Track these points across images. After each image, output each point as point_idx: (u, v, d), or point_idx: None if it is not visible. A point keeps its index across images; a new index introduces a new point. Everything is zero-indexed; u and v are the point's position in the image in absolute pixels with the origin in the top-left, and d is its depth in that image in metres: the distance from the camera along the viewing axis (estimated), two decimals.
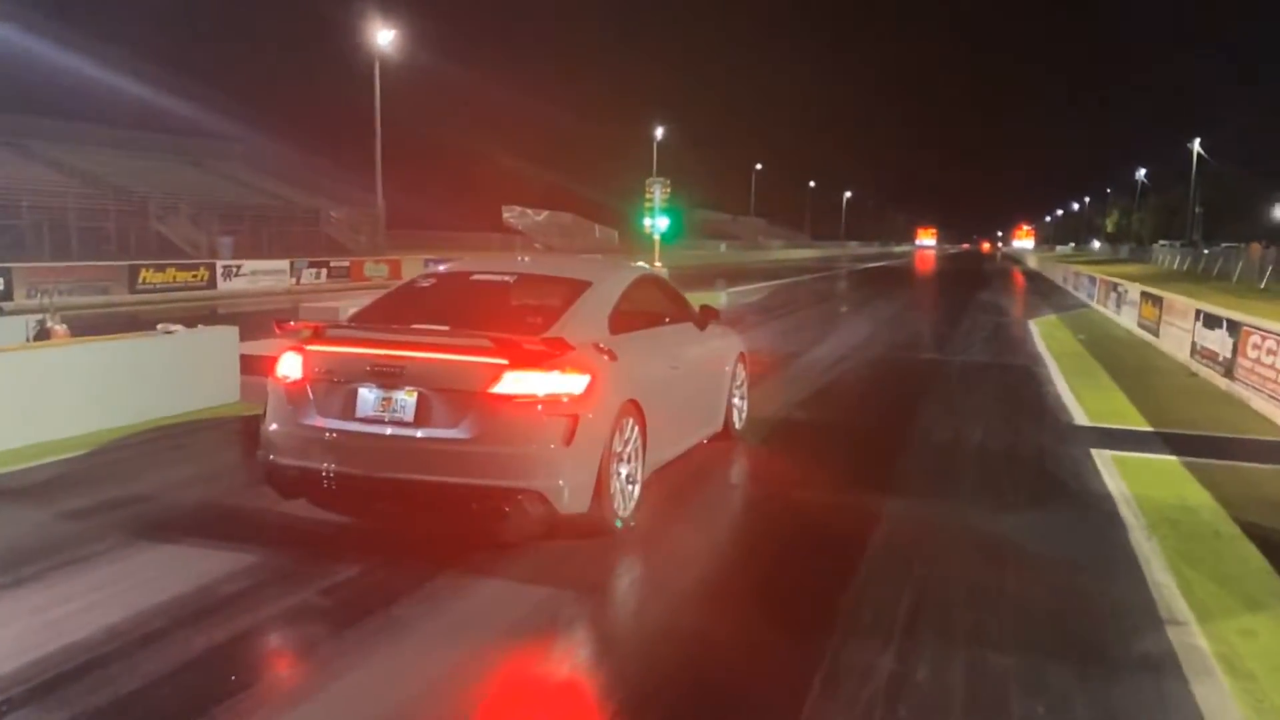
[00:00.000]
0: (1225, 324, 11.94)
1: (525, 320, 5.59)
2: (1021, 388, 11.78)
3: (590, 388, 5.08)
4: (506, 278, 6.19)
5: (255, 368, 9.81)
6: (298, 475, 5.22)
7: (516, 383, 4.93)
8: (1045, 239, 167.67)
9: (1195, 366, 13.17)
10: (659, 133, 72.51)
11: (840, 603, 4.59)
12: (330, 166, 53.49)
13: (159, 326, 8.75)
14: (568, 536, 5.17)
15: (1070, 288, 34.58)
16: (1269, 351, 10.02)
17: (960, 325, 20.33)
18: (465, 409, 4.93)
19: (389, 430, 5.02)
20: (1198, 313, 13.60)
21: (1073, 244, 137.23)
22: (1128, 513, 6.13)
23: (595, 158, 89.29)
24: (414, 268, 34.78)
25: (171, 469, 6.97)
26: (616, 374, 5.44)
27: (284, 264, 29.04)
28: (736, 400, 7.88)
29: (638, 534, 5.49)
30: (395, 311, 5.89)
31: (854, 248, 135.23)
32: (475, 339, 5.03)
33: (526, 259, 6.65)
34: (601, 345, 5.49)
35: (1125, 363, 14.19)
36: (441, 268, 7.24)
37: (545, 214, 79.41)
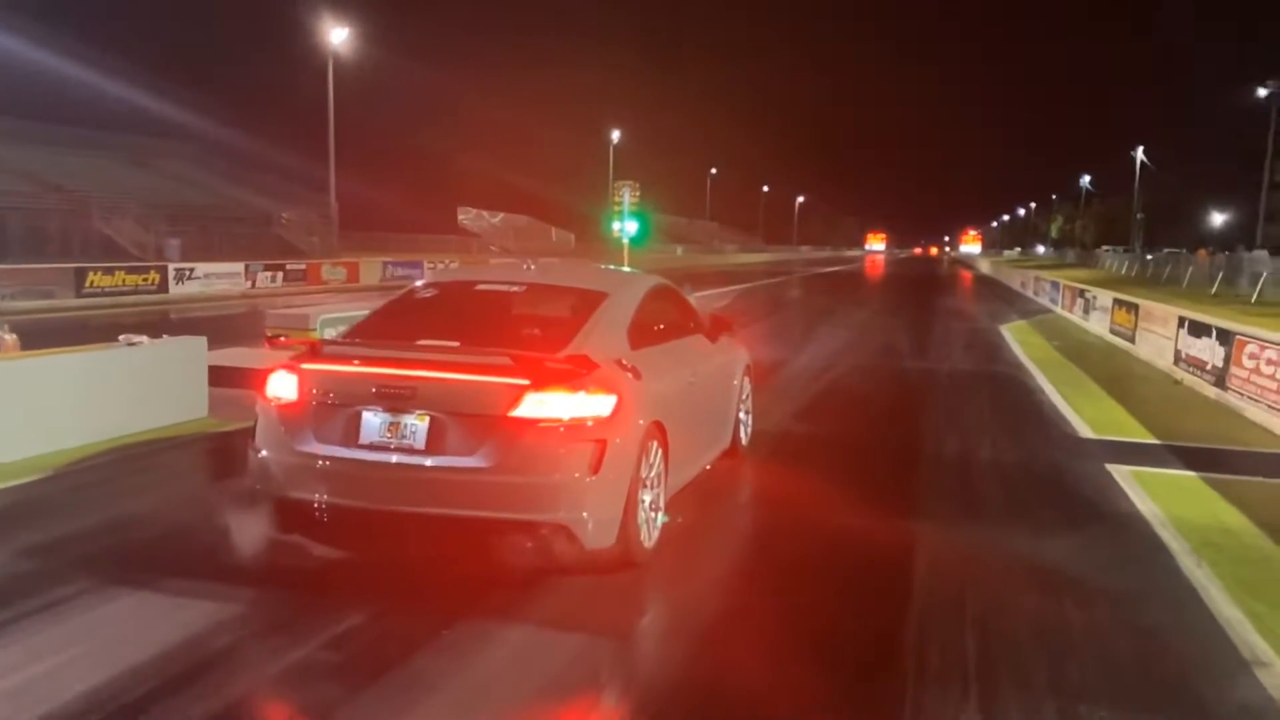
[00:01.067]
0: (1215, 332, 11.84)
1: (539, 335, 5.15)
2: (1014, 397, 11.58)
3: (617, 410, 4.66)
4: (515, 287, 5.73)
5: (223, 380, 9.23)
6: (293, 508, 4.72)
7: (539, 405, 4.49)
8: (991, 244, 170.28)
9: (1180, 374, 13.09)
10: (615, 136, 72.15)
11: (902, 643, 4.22)
12: (282, 167, 52.28)
13: (121, 338, 8.11)
14: (591, 572, 4.73)
15: (1031, 293, 34.85)
16: (1269, 361, 9.89)
17: (934, 332, 20.20)
18: (483, 435, 4.47)
19: (397, 458, 4.54)
20: (1181, 320, 13.54)
21: (1018, 249, 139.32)
22: (1168, 536, 5.85)
23: (551, 161, 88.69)
24: (373, 270, 33.97)
25: (140, 496, 6.37)
26: (642, 394, 5.01)
27: (239, 267, 28.07)
28: (742, 415, 7.50)
29: (664, 567, 5.06)
30: (396, 326, 5.40)
31: (806, 252, 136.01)
32: (493, 357, 4.57)
33: (532, 266, 6.17)
34: (625, 362, 5.05)
35: (1107, 370, 14.09)
36: (439, 276, 6.73)
37: (501, 216, 78.63)
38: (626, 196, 25.46)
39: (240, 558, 5.10)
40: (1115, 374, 13.69)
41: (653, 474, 5.08)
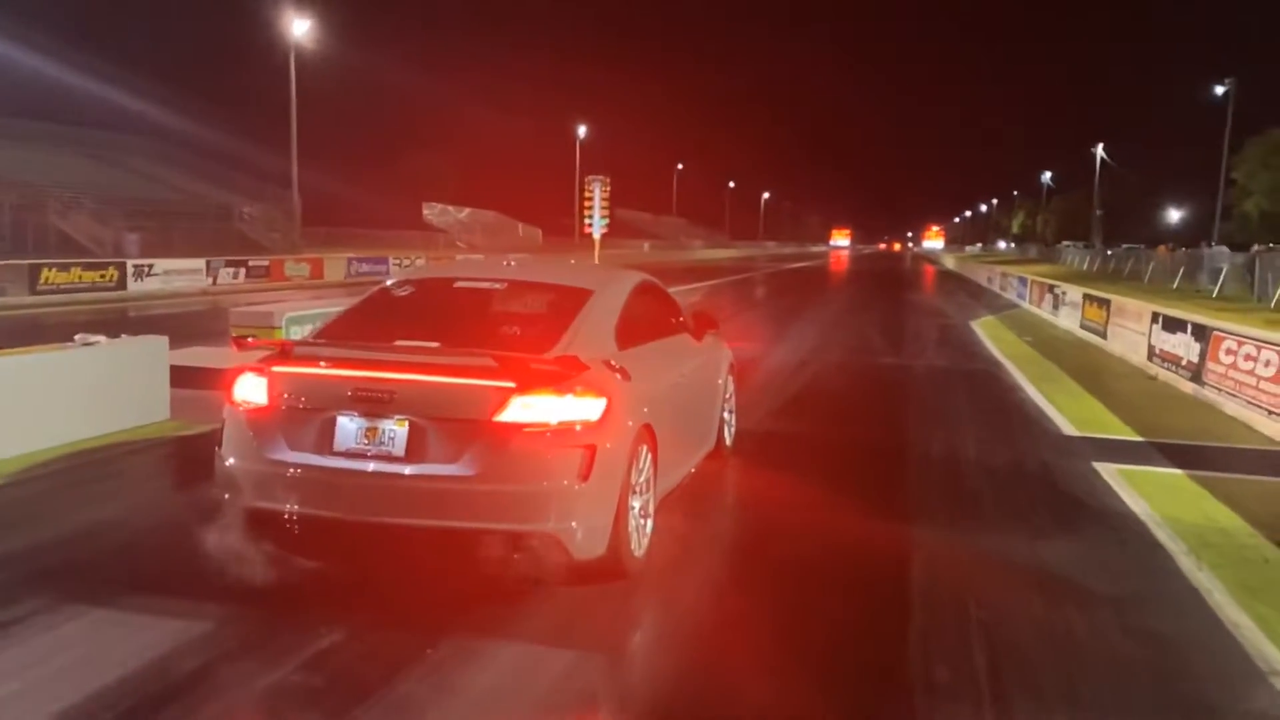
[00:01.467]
0: (1190, 328, 11.85)
1: (523, 335, 4.91)
2: (993, 394, 11.52)
3: (607, 413, 4.44)
4: (496, 285, 5.47)
5: (185, 380, 8.89)
6: (264, 519, 4.46)
7: (525, 409, 4.26)
8: (953, 239, 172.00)
9: (1154, 370, 13.11)
10: (582, 131, 71.76)
11: (908, 655, 4.05)
12: (243, 161, 51.34)
13: (77, 337, 7.75)
14: (580, 584, 4.52)
15: (997, 288, 35.06)
16: (1246, 357, 9.88)
17: (906, 327, 20.17)
18: (466, 440, 4.23)
19: (374, 466, 4.29)
20: (1155, 316, 13.57)
21: (980, 244, 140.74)
22: (1164, 537, 5.76)
23: (517, 156, 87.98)
24: (337, 267, 33.41)
25: (99, 505, 6.05)
26: (631, 396, 4.79)
27: (199, 263, 27.40)
28: (726, 415, 7.31)
29: (653, 576, 4.86)
30: (371, 326, 5.12)
31: (772, 248, 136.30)
32: (477, 358, 4.32)
33: (513, 263, 5.93)
34: (613, 363, 4.84)
35: (1081, 365, 14.09)
36: (416, 273, 6.46)
37: (467, 211, 77.84)
38: (598, 192, 25.20)
39: (208, 572, 4.80)
40: (1090, 369, 13.69)
41: (642, 479, 4.87)
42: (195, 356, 10.31)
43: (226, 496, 4.55)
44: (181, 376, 8.80)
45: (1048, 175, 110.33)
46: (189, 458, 7.27)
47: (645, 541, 4.92)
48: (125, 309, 21.54)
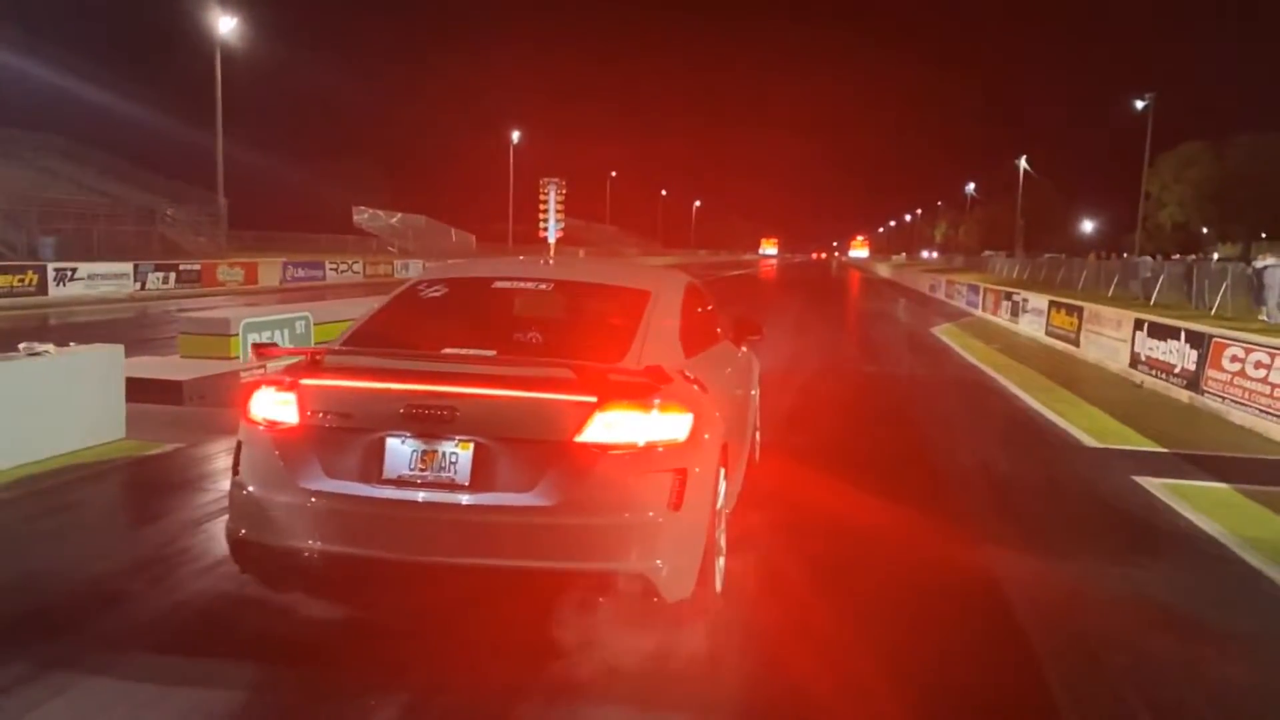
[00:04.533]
0: (1185, 335, 11.67)
1: (587, 342, 4.24)
2: (992, 403, 11.20)
3: (694, 431, 3.79)
4: (541, 285, 4.75)
5: (136, 394, 7.96)
6: (294, 561, 3.68)
7: (609, 428, 3.59)
8: (878, 249, 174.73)
9: (1139, 377, 12.95)
10: (515, 136, 70.69)
11: (1060, 710, 3.50)
12: (163, 162, 49.16)
13: (22, 346, 6.80)
14: (659, 627, 3.87)
15: (943, 296, 35.29)
16: (1258, 365, 9.66)
17: (871, 337, 19.92)
18: (543, 465, 3.55)
19: (433, 495, 3.57)
20: (1139, 322, 13.42)
21: (904, 254, 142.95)
22: (1255, 560, 5.35)
23: (450, 161, 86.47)
24: (272, 271, 32.03)
25: (62, 544, 5.17)
26: (712, 411, 4.16)
27: (126, 267, 25.80)
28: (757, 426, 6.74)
29: (734, 614, 4.23)
30: (406, 331, 4.37)
31: (704, 256, 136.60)
32: (551, 369, 3.65)
33: (550, 261, 5.25)
34: (687, 374, 4.20)
35: (1062, 373, 13.89)
36: (446, 273, 5.70)
37: (398, 216, 75.97)
38: (553, 195, 24.44)
39: (212, 626, 4.02)
40: (1073, 377, 13.48)
41: (721, 506, 4.26)
42: (147, 367, 9.34)
43: (244, 533, 3.77)
44: (133, 389, 7.88)
45: (971, 186, 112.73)
46: (155, 483, 6.42)
47: (720, 576, 4.30)
48: (46, 316, 20.07)
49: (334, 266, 36.80)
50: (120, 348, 7.64)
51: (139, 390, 8.24)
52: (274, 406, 3.76)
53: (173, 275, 27.29)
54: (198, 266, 28.92)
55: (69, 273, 23.81)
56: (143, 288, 25.83)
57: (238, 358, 10.18)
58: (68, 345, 7.26)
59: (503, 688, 3.48)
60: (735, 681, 3.76)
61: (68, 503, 5.91)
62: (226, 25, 36.60)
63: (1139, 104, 56.35)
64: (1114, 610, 4.60)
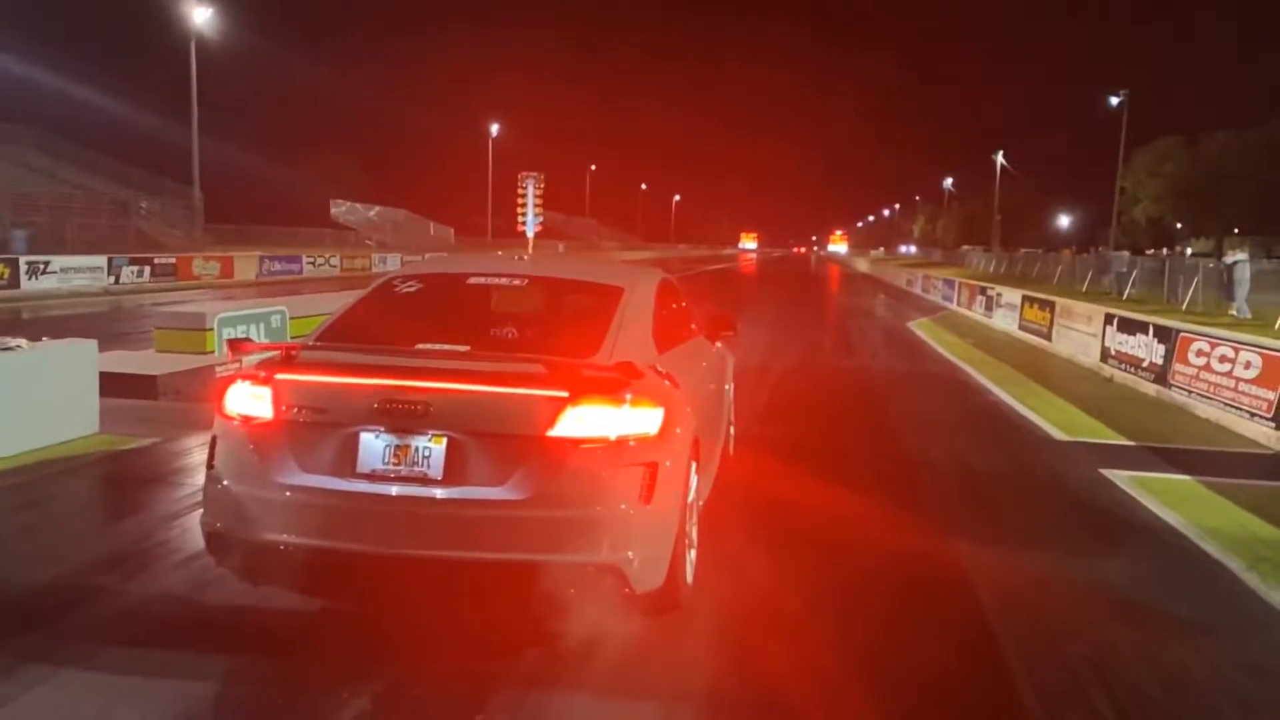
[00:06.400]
0: (1152, 330, 11.86)
1: (559, 338, 4.31)
2: (965, 398, 11.33)
3: (665, 425, 3.87)
4: (515, 281, 4.81)
5: (110, 388, 7.94)
6: (269, 553, 3.71)
7: (580, 422, 3.66)
8: (857, 244, 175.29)
9: (1108, 371, 13.14)
10: (494, 129, 70.46)
11: (1021, 699, 3.59)
12: (138, 154, 48.62)
13: None
14: (631, 618, 3.94)
15: (919, 290, 35.53)
16: (1223, 359, 9.84)
17: (847, 331, 20.08)
18: (516, 459, 3.61)
19: (406, 489, 3.62)
20: (1109, 317, 13.61)
21: (882, 249, 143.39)
22: (1213, 550, 5.49)
23: (428, 155, 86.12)
24: (248, 265, 31.83)
25: (35, 540, 5.17)
26: (682, 406, 4.24)
27: (100, 260, 25.55)
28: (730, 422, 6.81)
29: (703, 605, 4.30)
30: (379, 327, 4.41)
31: (684, 250, 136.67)
32: (523, 364, 3.71)
33: (525, 257, 5.32)
34: (660, 369, 4.27)
35: (1033, 367, 14.06)
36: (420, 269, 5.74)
37: (377, 209, 75.65)
38: (531, 189, 24.43)
39: (181, 621, 4.05)
40: (1044, 372, 13.65)
41: (692, 499, 4.33)
42: (121, 362, 9.30)
43: (220, 526, 3.81)
44: (107, 384, 7.86)
45: (949, 181, 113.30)
46: (131, 478, 6.42)
47: (691, 569, 4.37)
48: (19, 309, 19.83)
49: (311, 260, 36.59)
50: (93, 342, 7.61)
51: (113, 385, 8.22)
52: (249, 401, 3.80)
53: (148, 269, 27.07)
54: (173, 260, 28.68)
55: (41, 266, 23.57)
56: (117, 281, 25.60)
57: (213, 353, 10.15)
58: (40, 340, 7.23)
59: (477, 676, 3.54)
60: (704, 666, 3.83)
61: (39, 498, 5.90)
62: (202, 16, 36.30)
63: (1114, 100, 56.89)
64: (1077, 601, 4.70)
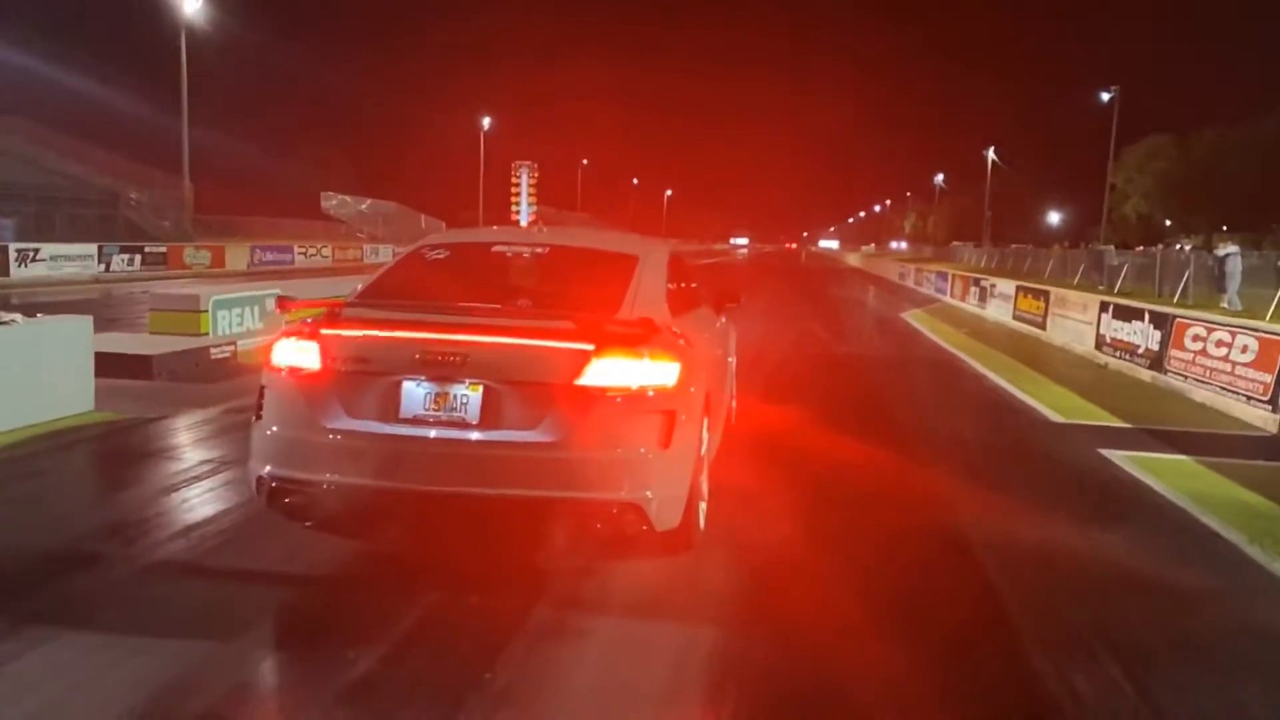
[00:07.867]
0: (1148, 316, 11.90)
1: (581, 298, 4.44)
2: (963, 384, 11.39)
3: (681, 379, 4.10)
4: (538, 249, 5.05)
5: (104, 368, 7.88)
6: (315, 493, 3.92)
7: (604, 372, 3.89)
8: (848, 240, 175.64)
9: (1103, 358, 13.18)
10: (486, 123, 70.29)
11: (1036, 668, 3.59)
12: (127, 145, 48.31)
13: None
14: (651, 556, 4.28)
15: (912, 284, 35.65)
16: (1219, 344, 9.88)
17: (843, 320, 20.10)
18: (545, 405, 3.84)
19: (445, 433, 3.86)
20: (1105, 305, 13.66)
21: (873, 245, 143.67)
22: (1214, 523, 5.52)
23: (420, 148, 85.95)
24: (239, 255, 31.69)
25: (35, 509, 5.13)
26: (696, 363, 4.46)
27: (90, 249, 25.39)
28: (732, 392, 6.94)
29: (718, 547, 4.58)
30: (415, 288, 4.60)
31: (675, 245, 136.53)
32: (553, 320, 3.93)
33: (544, 229, 5.46)
34: (674, 329, 4.41)
35: (1029, 355, 14.10)
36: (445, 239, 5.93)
37: (368, 202, 75.41)
38: (525, 179, 24.40)
39: (186, 585, 4.03)
40: (1040, 359, 13.70)
41: (704, 450, 4.58)
42: (115, 342, 9.24)
43: (269, 469, 3.95)
44: (102, 364, 7.80)
45: (940, 177, 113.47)
46: (127, 452, 6.38)
47: (704, 518, 4.65)
48: (8, 296, 19.66)
49: (302, 251, 36.46)
50: (89, 318, 7.58)
51: (109, 365, 8.16)
52: (297, 354, 4.03)
53: (138, 258, 26.92)
54: (164, 249, 28.54)
55: (31, 253, 23.41)
56: (107, 270, 25.45)
57: (207, 334, 10.10)
58: (35, 316, 7.18)
59: (516, 600, 3.83)
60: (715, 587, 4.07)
61: (37, 469, 5.86)
62: (192, 6, 36.04)
63: (1104, 96, 57.08)
64: (1084, 573, 4.71)
